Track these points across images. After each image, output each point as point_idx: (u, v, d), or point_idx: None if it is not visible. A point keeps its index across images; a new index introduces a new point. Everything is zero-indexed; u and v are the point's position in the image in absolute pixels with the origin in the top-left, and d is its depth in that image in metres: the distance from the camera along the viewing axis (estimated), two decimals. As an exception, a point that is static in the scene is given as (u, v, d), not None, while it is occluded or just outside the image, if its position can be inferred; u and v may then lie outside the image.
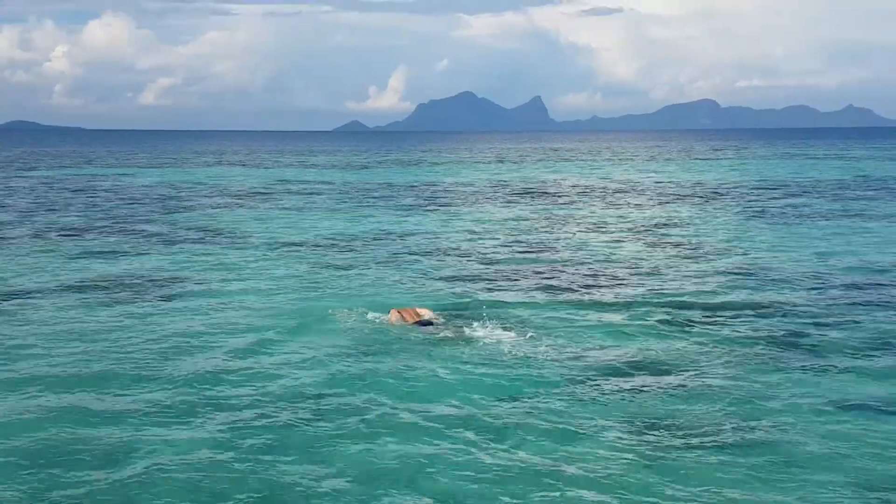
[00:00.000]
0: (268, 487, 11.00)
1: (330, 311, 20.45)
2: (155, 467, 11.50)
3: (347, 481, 11.15)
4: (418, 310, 19.53)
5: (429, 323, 18.91)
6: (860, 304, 21.04)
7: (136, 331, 18.67)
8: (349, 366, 16.04)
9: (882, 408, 13.58)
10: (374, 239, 34.27)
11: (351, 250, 31.06)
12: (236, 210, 46.77)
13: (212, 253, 30.41)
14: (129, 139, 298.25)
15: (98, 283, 24.35)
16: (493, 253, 30.40)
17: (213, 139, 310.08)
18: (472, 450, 12.06)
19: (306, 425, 13.03)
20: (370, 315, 19.87)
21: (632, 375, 15.42)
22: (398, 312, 19.33)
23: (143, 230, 37.24)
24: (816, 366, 15.86)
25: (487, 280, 24.82)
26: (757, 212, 43.89)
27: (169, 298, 22.28)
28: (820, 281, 24.11)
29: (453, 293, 22.78)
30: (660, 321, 19.49)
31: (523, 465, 11.57)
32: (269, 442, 12.39)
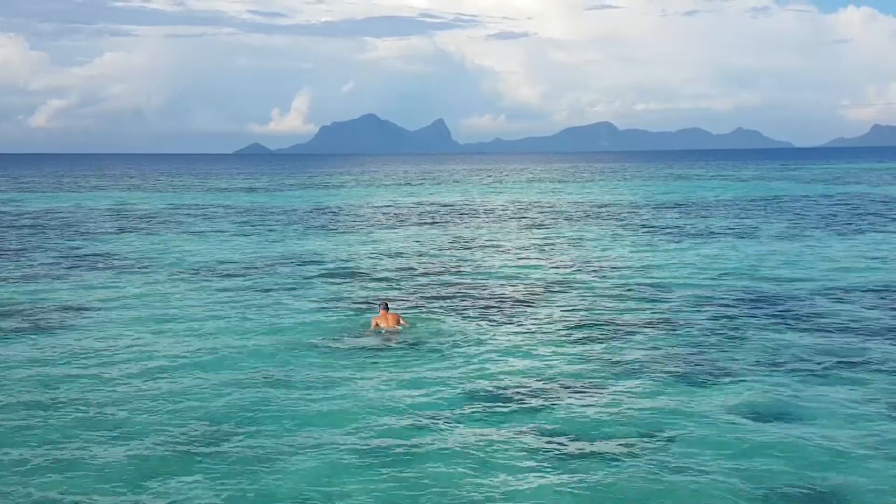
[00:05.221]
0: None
1: (236, 334, 20.20)
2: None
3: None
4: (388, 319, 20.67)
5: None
6: (753, 318, 21.89)
7: (23, 361, 18.02)
8: (259, 388, 15.83)
9: (772, 417, 14.18)
10: (285, 261, 33.87)
11: (257, 274, 30.62)
12: (134, 235, 45.58)
13: (110, 280, 29.53)
14: (19, 163, 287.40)
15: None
16: (402, 274, 30.43)
17: (108, 162, 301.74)
18: (385, 466, 12.09)
19: (209, 447, 12.81)
20: (281, 337, 19.74)
21: (539, 390, 15.71)
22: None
23: (34, 258, 35.91)
24: (712, 378, 16.44)
25: (397, 301, 24.78)
26: (655, 230, 45.19)
27: (62, 327, 21.54)
28: (716, 296, 24.96)
29: (362, 313, 22.69)
30: (565, 337, 19.95)
31: (431, 480, 11.66)
32: (169, 465, 12.13)
